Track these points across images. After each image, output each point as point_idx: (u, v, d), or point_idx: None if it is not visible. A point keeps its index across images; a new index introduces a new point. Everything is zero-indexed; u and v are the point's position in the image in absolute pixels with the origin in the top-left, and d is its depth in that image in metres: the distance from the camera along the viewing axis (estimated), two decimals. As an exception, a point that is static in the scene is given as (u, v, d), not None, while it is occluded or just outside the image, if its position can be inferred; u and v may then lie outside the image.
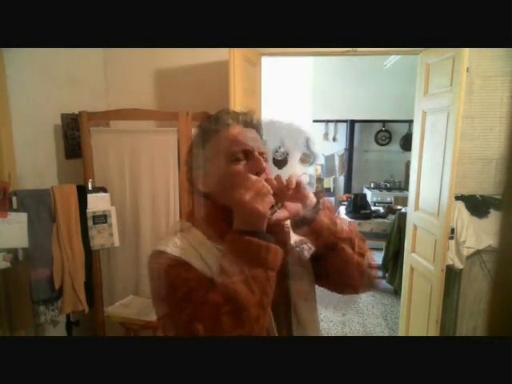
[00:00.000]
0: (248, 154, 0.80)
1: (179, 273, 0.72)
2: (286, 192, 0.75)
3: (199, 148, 0.84)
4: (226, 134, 0.81)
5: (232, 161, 0.79)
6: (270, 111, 4.65)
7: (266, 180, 0.74)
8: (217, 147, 0.81)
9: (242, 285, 0.65)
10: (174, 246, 0.77)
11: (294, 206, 0.75)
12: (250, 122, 0.85)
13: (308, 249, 0.85)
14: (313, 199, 0.78)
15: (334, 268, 0.82)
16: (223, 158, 0.80)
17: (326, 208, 0.80)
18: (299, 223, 0.77)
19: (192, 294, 0.68)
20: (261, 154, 0.81)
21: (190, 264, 0.73)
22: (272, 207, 0.71)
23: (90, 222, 2.11)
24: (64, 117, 2.27)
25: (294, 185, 0.75)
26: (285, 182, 0.75)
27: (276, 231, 0.75)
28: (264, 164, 0.79)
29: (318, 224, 0.76)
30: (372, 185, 5.41)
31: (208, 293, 0.66)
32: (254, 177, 0.73)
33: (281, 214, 0.73)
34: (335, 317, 3.36)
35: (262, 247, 0.67)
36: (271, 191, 0.71)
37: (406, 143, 5.07)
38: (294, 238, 0.86)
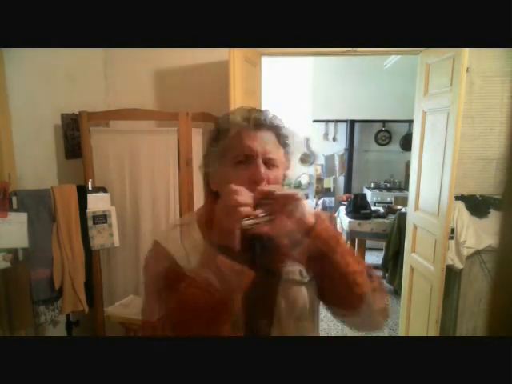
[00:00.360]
0: (250, 159, 0.74)
1: (159, 267, 0.74)
2: (279, 206, 0.67)
3: (211, 146, 0.81)
4: (233, 135, 0.77)
5: (234, 164, 0.75)
6: (269, 111, 4.65)
7: (256, 192, 0.67)
8: (224, 147, 0.77)
9: (193, 301, 0.63)
10: (167, 239, 0.78)
11: (284, 224, 0.67)
12: (265, 122, 0.78)
13: None
14: (307, 222, 0.69)
15: (330, 302, 0.78)
16: (227, 159, 0.76)
17: (323, 237, 0.69)
18: (288, 244, 0.70)
19: (162, 292, 0.69)
20: (267, 159, 0.75)
21: (175, 260, 0.73)
22: (254, 219, 0.65)
23: (90, 222, 2.11)
24: (64, 117, 2.27)
25: (288, 198, 0.68)
26: (278, 194, 0.68)
27: (269, 245, 0.72)
28: (261, 173, 0.72)
29: (307, 250, 0.69)
30: (372, 185, 5.41)
31: (171, 295, 0.66)
32: (233, 187, 0.66)
33: (262, 228, 0.66)
34: (335, 317, 3.35)
35: (226, 267, 0.63)
36: (248, 205, 0.65)
37: (406, 143, 5.07)
38: None
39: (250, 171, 0.73)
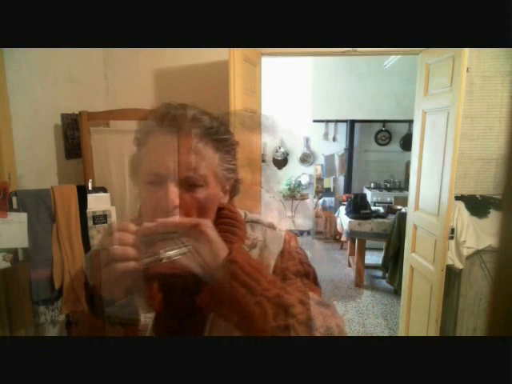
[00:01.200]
0: (160, 179, 0.58)
1: None
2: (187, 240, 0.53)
3: (135, 150, 0.66)
4: (145, 142, 0.63)
5: (144, 183, 0.61)
6: (270, 111, 4.66)
7: (141, 229, 0.52)
8: (138, 158, 0.64)
9: None
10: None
11: (191, 260, 0.53)
12: (189, 123, 0.61)
13: None
14: (219, 254, 0.54)
15: None
16: (139, 175, 0.63)
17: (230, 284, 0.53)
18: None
19: None
20: (186, 178, 0.59)
21: None
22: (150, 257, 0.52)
23: (90, 222, 2.10)
24: (64, 117, 2.27)
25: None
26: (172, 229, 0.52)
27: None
28: (170, 200, 0.56)
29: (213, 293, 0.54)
30: (372, 185, 5.41)
31: None
32: (128, 225, 0.52)
33: (158, 267, 0.52)
34: (335, 317, 3.35)
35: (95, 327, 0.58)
36: (128, 245, 0.51)
37: (406, 143, 5.08)
38: None
39: (159, 196, 0.58)
